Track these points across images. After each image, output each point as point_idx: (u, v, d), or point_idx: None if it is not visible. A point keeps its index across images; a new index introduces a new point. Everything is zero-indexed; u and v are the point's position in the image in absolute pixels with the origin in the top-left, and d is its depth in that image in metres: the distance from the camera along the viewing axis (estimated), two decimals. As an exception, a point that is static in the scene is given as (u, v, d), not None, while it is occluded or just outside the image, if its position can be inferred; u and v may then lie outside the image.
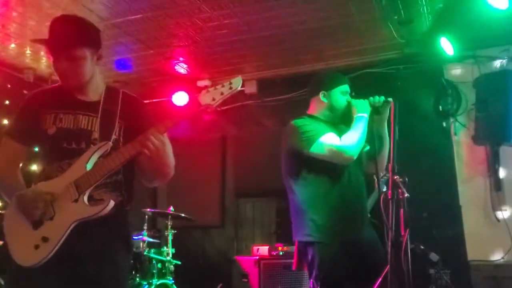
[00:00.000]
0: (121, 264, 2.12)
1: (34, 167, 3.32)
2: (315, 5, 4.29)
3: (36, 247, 1.88)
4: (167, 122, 1.95)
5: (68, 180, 1.95)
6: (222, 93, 1.96)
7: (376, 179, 2.85)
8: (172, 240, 4.81)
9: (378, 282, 2.57)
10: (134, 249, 4.46)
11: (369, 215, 3.03)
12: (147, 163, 2.01)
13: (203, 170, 6.09)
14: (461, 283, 4.51)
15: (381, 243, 2.74)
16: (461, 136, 5.12)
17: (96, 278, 1.97)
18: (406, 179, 2.47)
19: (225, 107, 5.92)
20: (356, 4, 4.28)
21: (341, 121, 2.96)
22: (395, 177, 2.45)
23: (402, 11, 4.38)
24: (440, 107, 5.17)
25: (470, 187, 5.01)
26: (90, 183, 1.94)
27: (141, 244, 4.65)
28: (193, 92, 5.63)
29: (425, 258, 4.18)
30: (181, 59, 5.49)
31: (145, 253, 4.59)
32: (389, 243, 2.34)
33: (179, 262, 4.81)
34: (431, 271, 4.25)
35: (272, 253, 4.71)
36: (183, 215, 4.93)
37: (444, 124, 5.17)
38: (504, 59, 4.97)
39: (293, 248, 2.98)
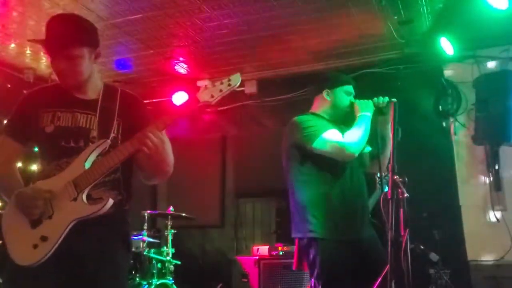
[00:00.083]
0: (120, 263, 2.12)
1: (33, 167, 3.32)
2: (315, 5, 4.29)
3: (35, 246, 1.88)
4: (166, 120, 1.94)
5: (66, 179, 1.94)
6: (221, 90, 1.95)
7: (377, 179, 2.86)
8: (172, 240, 4.81)
9: (378, 282, 2.56)
10: (134, 249, 4.47)
11: (370, 215, 3.04)
12: (146, 161, 2.00)
13: (203, 170, 6.09)
14: (461, 283, 4.50)
15: (381, 243, 2.74)
16: (461, 136, 5.12)
17: (95, 277, 1.97)
18: (406, 179, 2.47)
19: (225, 107, 5.93)
20: (356, 4, 4.28)
21: (343, 121, 2.96)
22: (395, 177, 2.45)
23: (402, 11, 4.38)
24: (440, 107, 5.17)
25: (470, 187, 5.01)
26: (88, 181, 1.93)
27: (141, 244, 4.65)
28: (193, 92, 5.63)
29: (425, 258, 4.18)
30: (181, 59, 5.49)
31: (145, 253, 4.59)
32: (389, 243, 2.34)
33: (179, 262, 4.81)
34: (431, 271, 4.25)
35: (272, 253, 4.70)
36: (184, 214, 4.94)
37: (444, 124, 5.17)
38: (504, 59, 4.98)
39: (293, 248, 2.97)
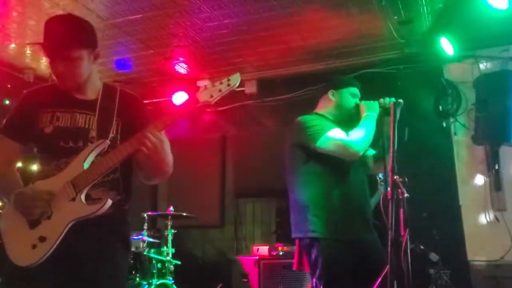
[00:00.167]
0: (120, 263, 2.11)
1: (33, 167, 3.32)
2: (315, 5, 4.29)
3: (33, 246, 1.87)
4: (165, 119, 1.94)
5: (65, 179, 1.94)
6: (220, 90, 1.95)
7: (379, 179, 2.86)
8: (172, 240, 4.81)
9: (378, 282, 2.56)
10: (134, 249, 4.47)
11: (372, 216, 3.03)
12: (145, 161, 1.98)
13: (203, 170, 6.10)
14: (461, 283, 4.50)
15: (382, 243, 2.74)
16: (461, 136, 5.12)
17: (93, 277, 1.96)
18: (406, 179, 2.47)
19: (225, 107, 5.93)
20: (356, 4, 4.28)
21: (347, 123, 2.94)
22: (395, 177, 2.45)
23: (402, 11, 4.38)
24: (440, 107, 5.17)
25: (470, 187, 5.01)
26: (87, 181, 1.92)
27: (141, 244, 4.65)
28: (193, 92, 5.63)
29: (425, 258, 4.18)
30: (181, 59, 5.49)
31: (145, 253, 4.59)
32: (389, 243, 2.34)
33: (179, 262, 4.81)
34: (431, 271, 4.25)
35: (272, 253, 4.71)
36: (184, 214, 4.94)
37: (444, 124, 5.17)
38: (504, 59, 4.97)
39: (293, 248, 2.97)
